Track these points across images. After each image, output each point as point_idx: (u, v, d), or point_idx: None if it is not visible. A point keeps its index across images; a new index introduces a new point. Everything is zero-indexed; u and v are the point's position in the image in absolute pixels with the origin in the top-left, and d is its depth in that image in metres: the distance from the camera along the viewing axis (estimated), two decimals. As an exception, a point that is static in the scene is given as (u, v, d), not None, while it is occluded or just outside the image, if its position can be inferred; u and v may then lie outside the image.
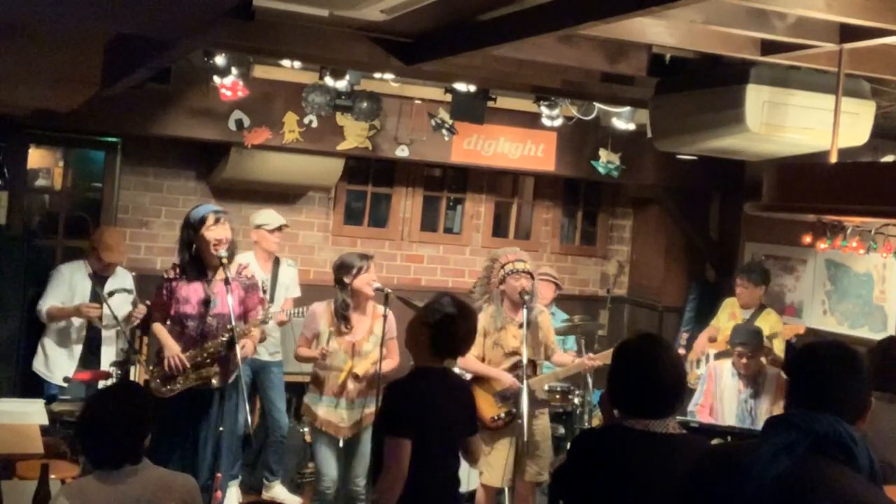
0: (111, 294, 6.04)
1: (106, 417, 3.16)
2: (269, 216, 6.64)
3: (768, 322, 6.66)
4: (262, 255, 6.60)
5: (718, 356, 6.80)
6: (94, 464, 3.18)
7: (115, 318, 5.93)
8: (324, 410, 5.41)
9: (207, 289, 5.20)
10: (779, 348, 6.48)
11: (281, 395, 6.69)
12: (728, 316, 7.05)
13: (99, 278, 6.15)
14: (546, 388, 6.30)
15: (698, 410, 5.91)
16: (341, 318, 5.46)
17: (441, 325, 3.92)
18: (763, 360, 5.87)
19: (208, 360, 5.16)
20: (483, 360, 5.64)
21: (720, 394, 5.83)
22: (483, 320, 5.67)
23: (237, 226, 5.49)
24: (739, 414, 5.70)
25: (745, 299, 6.87)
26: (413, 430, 3.75)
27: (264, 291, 6.01)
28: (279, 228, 6.60)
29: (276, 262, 6.68)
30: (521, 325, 5.54)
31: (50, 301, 6.10)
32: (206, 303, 5.18)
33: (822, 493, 2.11)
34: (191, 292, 5.19)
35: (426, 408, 3.83)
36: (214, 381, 5.15)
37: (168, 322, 5.24)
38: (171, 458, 4.94)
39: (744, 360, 5.68)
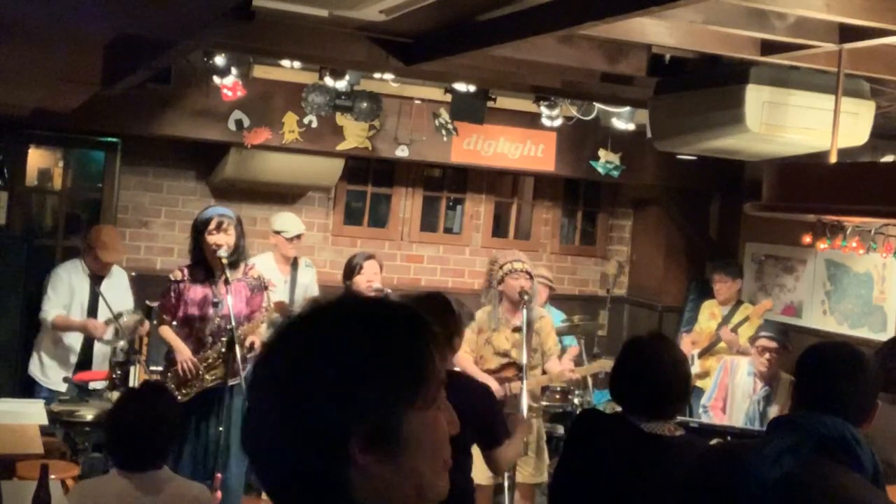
0: (120, 315, 5.99)
1: (140, 418, 3.15)
2: (287, 223, 6.63)
3: (747, 314, 6.76)
4: (281, 257, 6.63)
5: (701, 354, 6.88)
6: (118, 465, 3.18)
7: (121, 333, 5.88)
8: None
9: (214, 290, 5.20)
10: (746, 335, 6.53)
11: None
12: (708, 316, 7.16)
13: (96, 278, 6.15)
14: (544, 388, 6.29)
15: (711, 406, 5.88)
16: None
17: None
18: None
19: (219, 361, 5.15)
20: (475, 357, 5.64)
21: (733, 390, 5.79)
22: (479, 318, 5.69)
23: (245, 227, 5.47)
24: (751, 414, 5.64)
25: (724, 294, 7.04)
26: None
27: (264, 289, 5.96)
28: (297, 237, 6.61)
29: (295, 263, 6.71)
30: (515, 329, 5.52)
31: (55, 309, 6.08)
32: (214, 305, 5.17)
33: (825, 494, 2.11)
34: (198, 294, 5.19)
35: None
36: (230, 380, 5.12)
37: (175, 324, 5.23)
38: (176, 459, 4.94)
39: (767, 356, 5.56)
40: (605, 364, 5.91)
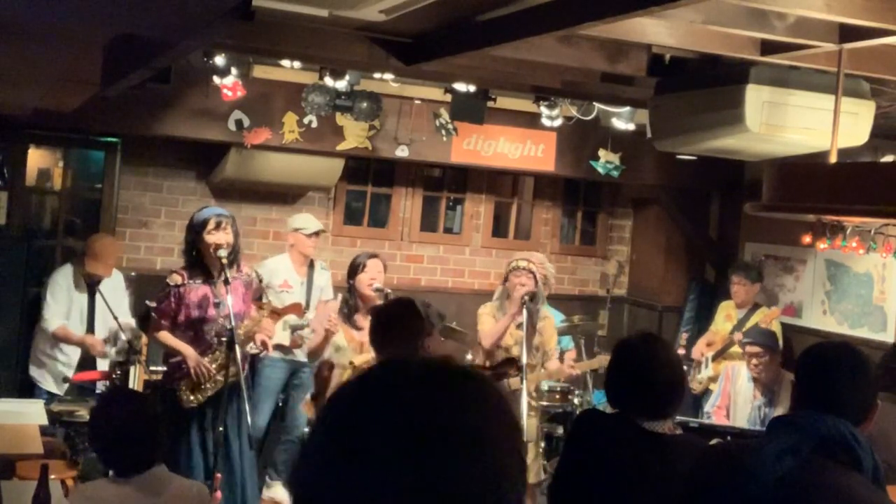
0: (116, 339, 5.94)
1: (115, 425, 3.14)
2: (306, 220, 6.66)
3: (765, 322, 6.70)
4: (298, 258, 6.63)
5: (715, 357, 6.83)
6: (114, 472, 3.17)
7: (122, 349, 5.85)
8: None
9: (214, 291, 5.19)
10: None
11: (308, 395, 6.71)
12: (724, 318, 7.08)
13: (92, 283, 6.12)
14: (546, 388, 6.30)
15: (715, 412, 5.87)
16: (345, 318, 5.48)
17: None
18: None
19: (227, 361, 5.14)
20: None
21: (734, 396, 5.79)
22: (489, 308, 5.84)
23: (240, 226, 5.48)
24: (752, 419, 5.64)
25: (742, 297, 6.92)
26: None
27: (257, 284, 5.96)
28: (316, 233, 6.62)
29: (311, 265, 6.71)
30: (519, 325, 5.56)
31: (56, 318, 6.06)
32: (216, 305, 5.16)
33: (825, 494, 2.11)
34: (200, 296, 5.17)
35: None
36: (240, 377, 5.11)
37: (178, 328, 5.20)
38: (176, 459, 4.93)
39: (754, 362, 5.59)
40: (605, 360, 5.91)
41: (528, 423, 5.72)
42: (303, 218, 6.71)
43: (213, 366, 5.09)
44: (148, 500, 3.08)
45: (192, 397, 5.09)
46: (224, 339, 5.09)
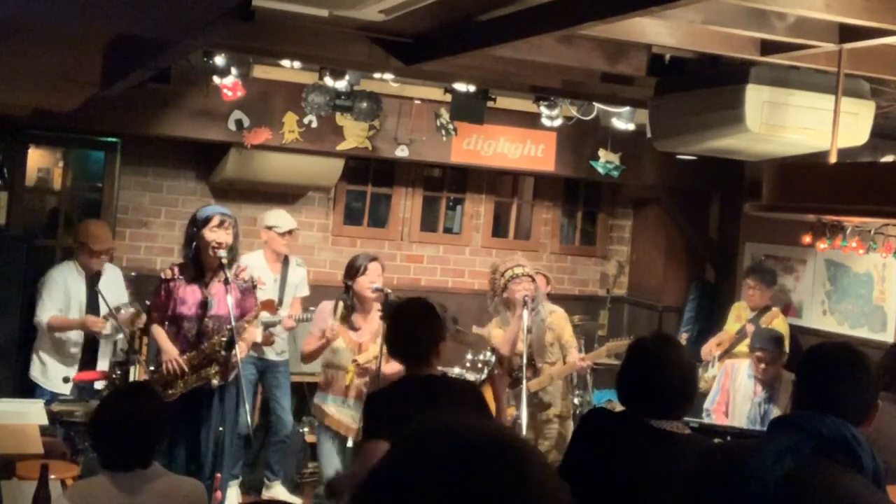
0: (118, 310, 5.94)
1: (120, 418, 3.15)
2: (279, 218, 6.64)
3: (775, 323, 6.68)
4: (271, 255, 6.62)
5: (722, 356, 6.82)
6: (103, 464, 3.18)
7: (118, 327, 5.86)
8: (333, 409, 5.43)
9: (205, 290, 5.20)
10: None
11: (286, 394, 6.71)
12: (734, 319, 7.05)
13: (92, 277, 6.13)
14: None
15: (714, 409, 5.88)
16: (344, 319, 5.48)
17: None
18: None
19: (206, 361, 5.16)
20: None
21: (734, 393, 5.80)
22: (493, 323, 5.89)
23: (240, 227, 5.49)
24: (752, 416, 5.65)
25: (756, 300, 6.85)
26: (390, 433, 3.71)
27: (253, 289, 5.97)
28: (289, 232, 6.61)
29: (286, 261, 6.70)
30: (527, 330, 5.60)
31: (49, 311, 6.05)
32: (204, 304, 5.17)
33: (825, 494, 2.12)
34: (188, 293, 5.19)
35: (403, 413, 3.77)
36: (215, 381, 5.16)
37: (166, 323, 5.23)
38: (172, 459, 4.95)
39: (762, 366, 5.61)
40: (613, 346, 5.95)
41: (551, 428, 5.76)
42: (275, 215, 6.69)
43: (188, 365, 5.11)
44: (130, 498, 3.08)
45: (163, 392, 5.10)
46: (215, 339, 5.11)
